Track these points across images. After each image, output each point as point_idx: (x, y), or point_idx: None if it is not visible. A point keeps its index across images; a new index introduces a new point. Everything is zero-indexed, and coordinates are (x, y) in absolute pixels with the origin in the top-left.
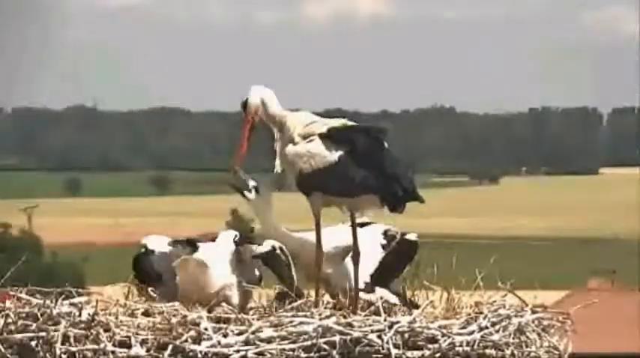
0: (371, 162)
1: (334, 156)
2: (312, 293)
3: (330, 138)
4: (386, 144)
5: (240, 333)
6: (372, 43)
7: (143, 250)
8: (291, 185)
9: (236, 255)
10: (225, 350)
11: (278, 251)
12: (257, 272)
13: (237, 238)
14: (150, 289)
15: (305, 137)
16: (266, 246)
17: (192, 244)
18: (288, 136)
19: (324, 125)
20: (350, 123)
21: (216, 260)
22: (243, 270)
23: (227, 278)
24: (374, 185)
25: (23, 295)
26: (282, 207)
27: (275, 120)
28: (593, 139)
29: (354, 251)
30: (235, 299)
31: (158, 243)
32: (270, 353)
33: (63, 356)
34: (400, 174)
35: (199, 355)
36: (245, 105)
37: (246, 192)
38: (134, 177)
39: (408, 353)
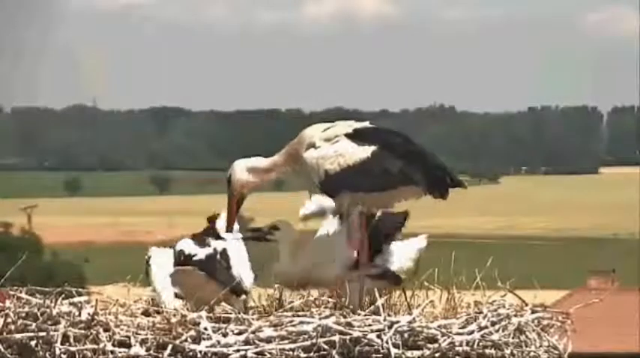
0: (407, 155)
1: (366, 152)
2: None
3: (357, 137)
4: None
5: (239, 333)
6: (373, 43)
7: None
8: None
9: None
10: (224, 350)
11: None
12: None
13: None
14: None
15: (328, 140)
16: (206, 251)
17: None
18: (308, 144)
19: (349, 126)
20: (372, 125)
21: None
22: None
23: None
24: (416, 175)
25: (23, 295)
26: (283, 208)
27: (285, 160)
28: (593, 139)
29: (361, 238)
30: (234, 300)
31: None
32: (269, 353)
33: (63, 355)
34: (440, 162)
35: (199, 354)
36: (229, 181)
37: (268, 236)
38: (134, 177)
39: (408, 353)
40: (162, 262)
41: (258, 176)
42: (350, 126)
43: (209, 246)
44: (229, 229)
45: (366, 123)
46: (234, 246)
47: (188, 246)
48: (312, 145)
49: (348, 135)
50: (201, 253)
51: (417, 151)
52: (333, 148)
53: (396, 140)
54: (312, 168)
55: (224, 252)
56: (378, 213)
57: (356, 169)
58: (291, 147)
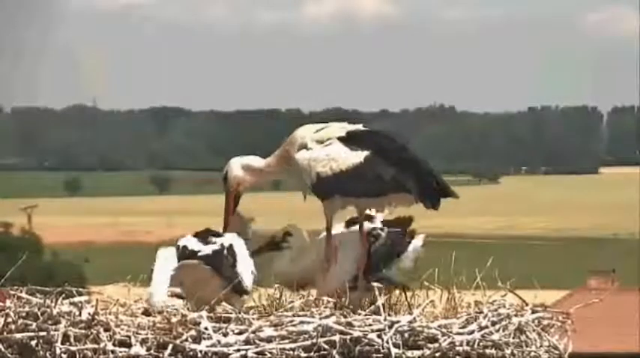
0: (400, 161)
1: (359, 157)
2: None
3: (350, 140)
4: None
5: (240, 333)
6: (373, 43)
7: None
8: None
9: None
10: (225, 350)
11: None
12: (254, 272)
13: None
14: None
15: (320, 142)
16: (212, 246)
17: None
18: (300, 144)
19: (342, 129)
20: (366, 128)
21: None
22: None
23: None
24: (408, 182)
25: (23, 294)
26: (282, 207)
27: (278, 161)
28: (593, 139)
29: (362, 253)
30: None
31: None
32: (270, 353)
33: (63, 355)
34: (434, 171)
35: (199, 354)
36: (225, 178)
37: (283, 244)
38: (134, 177)
39: (408, 353)
40: (165, 260)
41: (253, 174)
42: (343, 128)
43: (214, 242)
44: (226, 227)
45: (360, 126)
46: (239, 244)
47: (192, 243)
48: (304, 146)
49: (340, 139)
50: (207, 248)
51: (410, 158)
52: (325, 151)
53: (389, 145)
54: (303, 170)
55: (231, 247)
56: (383, 234)
57: (348, 174)
58: (283, 147)
